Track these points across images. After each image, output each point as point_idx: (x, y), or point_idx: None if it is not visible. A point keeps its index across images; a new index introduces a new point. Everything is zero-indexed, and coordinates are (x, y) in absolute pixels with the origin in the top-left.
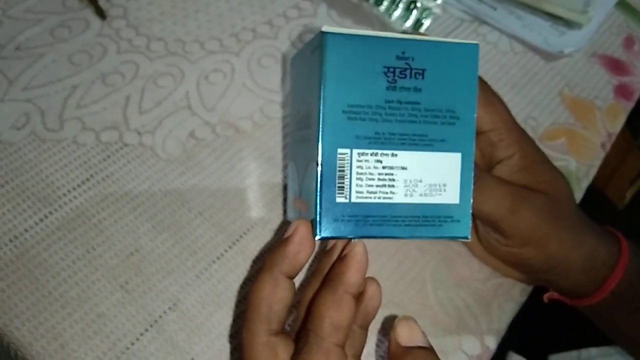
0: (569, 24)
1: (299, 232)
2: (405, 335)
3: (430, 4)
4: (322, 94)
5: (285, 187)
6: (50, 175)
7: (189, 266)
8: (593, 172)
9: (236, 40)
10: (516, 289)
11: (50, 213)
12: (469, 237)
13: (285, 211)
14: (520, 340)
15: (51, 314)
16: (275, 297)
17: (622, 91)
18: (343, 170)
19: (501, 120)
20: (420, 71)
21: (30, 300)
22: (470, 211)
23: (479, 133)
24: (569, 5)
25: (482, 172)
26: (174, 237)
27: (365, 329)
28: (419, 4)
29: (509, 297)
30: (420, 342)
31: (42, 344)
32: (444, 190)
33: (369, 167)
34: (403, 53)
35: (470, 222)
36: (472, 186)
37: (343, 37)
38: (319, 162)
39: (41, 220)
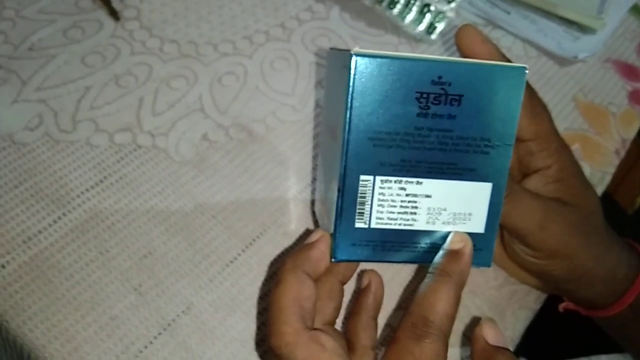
0: (583, 29)
1: (322, 243)
2: (493, 335)
3: (444, 8)
4: (347, 120)
5: (312, 193)
6: (64, 177)
7: (202, 269)
8: (607, 179)
9: (249, 42)
10: (531, 297)
11: (64, 215)
12: (491, 264)
13: (313, 202)
14: (530, 347)
15: (64, 316)
16: (304, 294)
17: (636, 97)
18: (364, 197)
19: (544, 131)
20: (457, 97)
21: (44, 302)
22: (495, 240)
23: (519, 140)
24: (583, 10)
25: (515, 185)
26: (187, 239)
27: (375, 319)
28: (432, 8)
29: (523, 304)
30: (504, 343)
31: (55, 346)
32: (469, 220)
33: (392, 194)
34: (440, 78)
35: (493, 250)
36: (500, 216)
37: (373, 60)
38: (340, 189)
39: (55, 221)
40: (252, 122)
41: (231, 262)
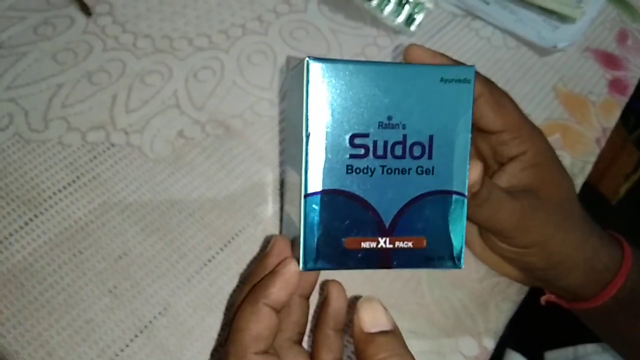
0: (562, 18)
1: (277, 246)
2: (369, 320)
3: None
4: None
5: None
6: (35, 177)
7: (180, 269)
8: (588, 168)
9: (225, 36)
10: (513, 288)
11: (36, 216)
12: (303, 269)
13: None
14: (517, 337)
15: (37, 321)
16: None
17: (616, 86)
18: None
19: (513, 120)
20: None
21: (16, 306)
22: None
23: (490, 133)
24: None
25: (494, 185)
26: (163, 239)
27: (339, 331)
28: None
29: (505, 296)
30: (384, 325)
31: (28, 352)
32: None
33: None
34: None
35: (297, 247)
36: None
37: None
38: None
39: (26, 223)
40: (229, 118)
41: (209, 260)
